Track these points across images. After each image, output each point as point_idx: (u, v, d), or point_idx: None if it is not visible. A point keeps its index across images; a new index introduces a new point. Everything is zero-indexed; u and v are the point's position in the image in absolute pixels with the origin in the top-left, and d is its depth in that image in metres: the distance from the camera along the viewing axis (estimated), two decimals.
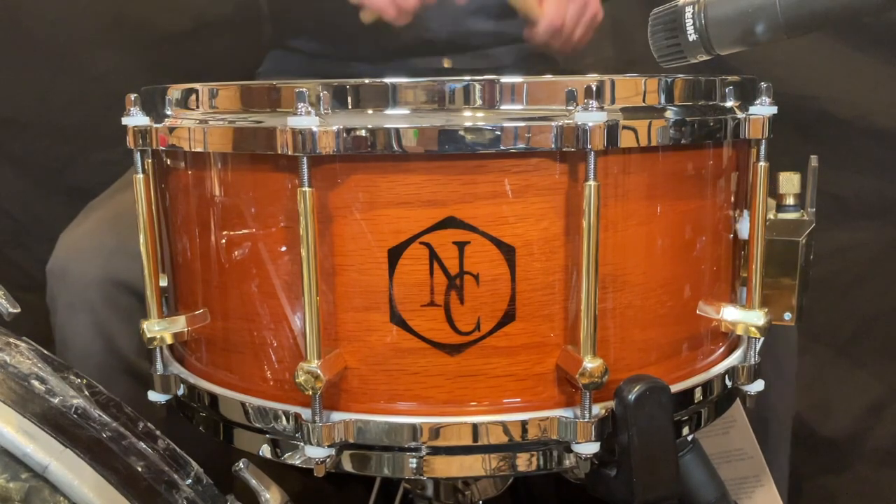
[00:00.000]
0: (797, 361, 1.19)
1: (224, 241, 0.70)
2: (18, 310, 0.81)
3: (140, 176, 0.73)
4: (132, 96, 0.72)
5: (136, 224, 0.73)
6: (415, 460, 0.67)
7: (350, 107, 0.64)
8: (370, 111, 0.63)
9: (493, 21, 1.24)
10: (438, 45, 1.24)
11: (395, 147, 0.62)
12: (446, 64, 1.26)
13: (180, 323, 0.75)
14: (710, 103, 0.71)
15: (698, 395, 0.73)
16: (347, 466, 0.68)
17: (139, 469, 0.78)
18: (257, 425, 0.71)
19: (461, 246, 0.64)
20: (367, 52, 1.25)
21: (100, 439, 0.77)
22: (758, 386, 0.77)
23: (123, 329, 1.02)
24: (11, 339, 0.82)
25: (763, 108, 0.71)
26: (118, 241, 1.01)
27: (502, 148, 0.62)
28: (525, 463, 0.68)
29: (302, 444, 0.67)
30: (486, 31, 1.25)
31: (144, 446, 0.79)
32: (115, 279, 1.01)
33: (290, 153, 0.62)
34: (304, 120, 0.61)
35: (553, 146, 0.63)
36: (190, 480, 0.80)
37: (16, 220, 1.61)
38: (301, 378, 0.63)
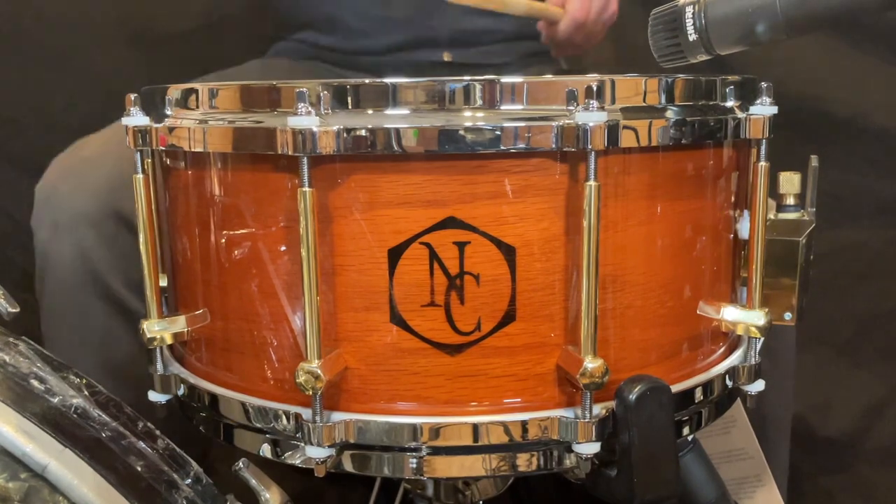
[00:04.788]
0: (795, 360, 1.19)
1: (224, 241, 0.70)
2: (18, 310, 0.81)
3: (140, 176, 0.72)
4: (132, 96, 0.72)
5: (136, 223, 0.73)
6: (415, 460, 0.67)
7: (350, 107, 0.63)
8: (370, 111, 0.63)
9: (497, 18, 1.25)
10: (440, 40, 1.24)
11: (395, 147, 0.62)
12: (446, 57, 1.26)
13: (180, 323, 0.75)
14: (711, 103, 0.71)
15: (699, 395, 0.73)
16: (348, 466, 0.68)
17: (139, 469, 0.78)
18: (257, 425, 0.70)
19: (461, 246, 0.64)
20: (369, 46, 1.26)
21: (99, 439, 0.77)
22: (758, 386, 0.77)
23: (106, 255, 1.02)
24: (11, 339, 0.82)
25: (763, 108, 0.71)
26: (110, 171, 1.01)
27: (502, 148, 0.62)
28: (525, 463, 0.68)
29: (302, 444, 0.67)
30: (488, 28, 1.25)
31: (144, 446, 0.79)
32: (104, 205, 1.01)
33: (290, 153, 0.62)
34: (305, 120, 0.61)
35: (553, 146, 0.63)
36: (190, 480, 0.80)
37: (16, 220, 1.61)
38: (301, 378, 0.63)
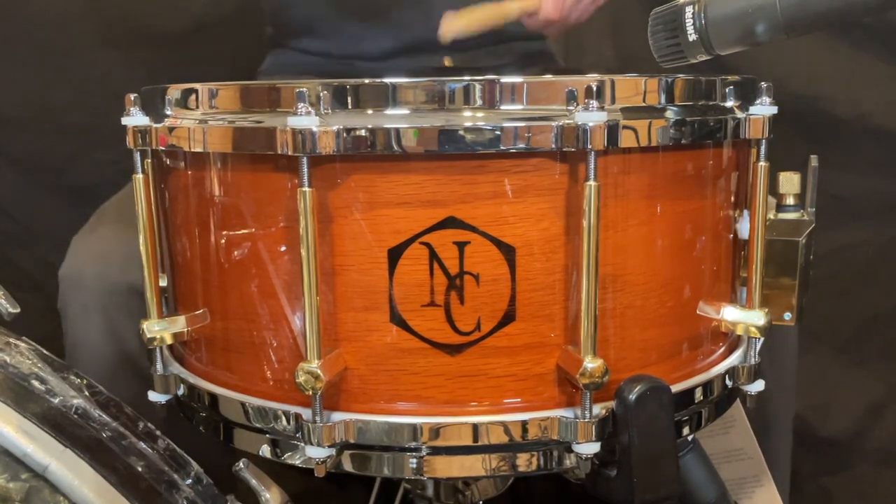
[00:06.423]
0: (797, 361, 1.19)
1: (224, 241, 0.70)
2: (18, 310, 0.81)
3: (139, 176, 0.73)
4: (132, 96, 0.72)
5: (136, 224, 0.73)
6: (415, 460, 0.67)
7: (350, 107, 0.63)
8: (370, 111, 0.63)
9: None
10: (440, 43, 1.24)
11: (395, 147, 0.62)
12: (447, 62, 1.26)
13: (180, 323, 0.75)
14: (711, 103, 0.71)
15: (698, 395, 0.73)
16: (348, 466, 0.68)
17: (139, 469, 0.78)
18: (257, 425, 0.71)
19: (461, 246, 0.64)
20: (367, 51, 1.26)
21: (100, 439, 0.77)
22: (758, 386, 0.77)
23: (135, 334, 1.02)
24: (11, 339, 0.82)
25: (763, 108, 0.71)
26: (132, 246, 1.01)
27: (502, 148, 0.62)
28: (525, 463, 0.68)
29: (302, 444, 0.67)
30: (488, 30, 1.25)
31: (144, 446, 0.79)
32: (129, 284, 1.00)
33: (290, 153, 0.62)
34: (304, 120, 0.61)
35: (553, 146, 0.63)
36: (190, 480, 0.80)
37: (16, 220, 1.61)
38: (301, 378, 0.63)
